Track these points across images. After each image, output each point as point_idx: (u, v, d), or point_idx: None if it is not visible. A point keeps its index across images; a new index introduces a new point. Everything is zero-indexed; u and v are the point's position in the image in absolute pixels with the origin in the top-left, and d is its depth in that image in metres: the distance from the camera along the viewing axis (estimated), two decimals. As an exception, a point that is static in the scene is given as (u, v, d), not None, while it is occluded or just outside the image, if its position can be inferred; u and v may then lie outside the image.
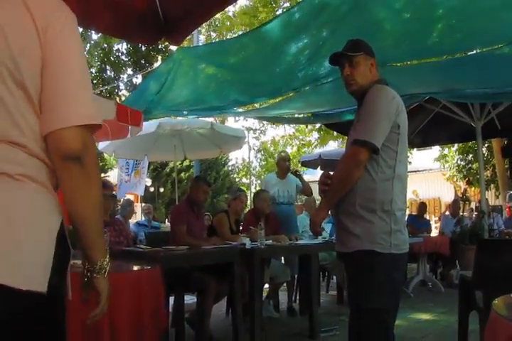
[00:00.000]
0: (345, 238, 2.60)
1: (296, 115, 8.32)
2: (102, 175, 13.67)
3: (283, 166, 6.65)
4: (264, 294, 6.01)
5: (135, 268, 3.50)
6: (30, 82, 1.32)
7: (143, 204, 9.89)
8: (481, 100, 6.90)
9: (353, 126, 2.68)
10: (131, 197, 14.10)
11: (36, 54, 1.32)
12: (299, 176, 6.58)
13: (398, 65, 5.76)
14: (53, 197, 1.39)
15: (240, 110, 8.78)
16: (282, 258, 6.31)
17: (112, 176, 12.27)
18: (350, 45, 2.72)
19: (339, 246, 2.67)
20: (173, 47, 6.71)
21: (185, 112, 6.50)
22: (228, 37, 14.69)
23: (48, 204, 1.36)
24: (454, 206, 9.70)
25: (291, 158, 8.12)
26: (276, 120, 10.32)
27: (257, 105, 8.86)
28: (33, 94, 1.33)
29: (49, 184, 1.38)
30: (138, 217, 9.38)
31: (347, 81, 2.72)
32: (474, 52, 5.36)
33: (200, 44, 11.24)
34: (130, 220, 8.48)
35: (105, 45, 10.14)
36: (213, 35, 18.13)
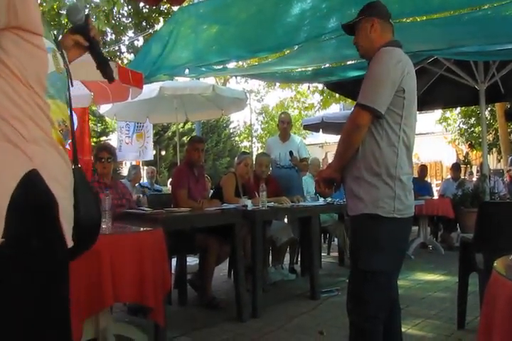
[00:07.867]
0: (351, 201, 2.62)
1: (298, 75, 8.16)
2: (104, 138, 13.60)
3: (282, 128, 6.61)
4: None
5: (138, 229, 3.51)
6: None
7: (145, 168, 9.87)
8: (484, 57, 6.77)
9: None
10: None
11: None
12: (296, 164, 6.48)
13: (404, 20, 5.66)
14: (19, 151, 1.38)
15: (241, 68, 8.59)
16: (286, 220, 6.32)
17: (114, 139, 12.25)
18: (358, 13, 2.74)
19: (347, 209, 2.69)
20: (176, 8, 6.57)
21: (186, 71, 6.39)
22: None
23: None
24: (453, 169, 9.77)
25: (293, 121, 8.01)
26: (275, 79, 10.09)
27: (256, 63, 8.71)
28: None
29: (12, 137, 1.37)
30: (144, 180, 9.44)
31: (356, 48, 2.76)
32: (479, 9, 5.28)
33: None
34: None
35: (105, 8, 9.93)
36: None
